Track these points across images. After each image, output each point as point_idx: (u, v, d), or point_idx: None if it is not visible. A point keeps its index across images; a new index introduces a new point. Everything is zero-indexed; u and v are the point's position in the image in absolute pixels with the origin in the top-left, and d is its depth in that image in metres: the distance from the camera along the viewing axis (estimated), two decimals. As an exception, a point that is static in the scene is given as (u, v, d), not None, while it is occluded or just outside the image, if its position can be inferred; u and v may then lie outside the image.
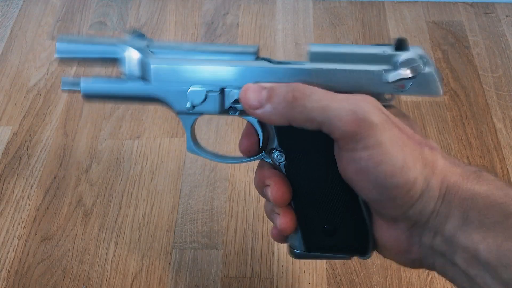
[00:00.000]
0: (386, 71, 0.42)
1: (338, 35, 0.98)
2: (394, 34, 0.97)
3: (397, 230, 0.41)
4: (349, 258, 0.47)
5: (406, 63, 0.41)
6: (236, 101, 0.44)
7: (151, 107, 0.86)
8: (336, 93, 0.39)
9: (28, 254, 0.70)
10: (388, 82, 0.42)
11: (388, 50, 0.42)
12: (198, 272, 0.69)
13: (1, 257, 0.70)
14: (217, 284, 0.68)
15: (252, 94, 0.41)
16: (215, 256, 0.70)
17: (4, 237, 0.72)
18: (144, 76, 0.45)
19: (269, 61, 0.44)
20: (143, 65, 0.45)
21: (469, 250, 0.36)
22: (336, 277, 0.68)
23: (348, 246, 0.45)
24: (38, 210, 0.75)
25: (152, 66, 0.45)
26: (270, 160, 0.45)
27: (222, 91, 0.44)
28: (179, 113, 0.46)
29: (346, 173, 0.40)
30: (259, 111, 0.41)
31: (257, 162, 0.47)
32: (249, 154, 0.48)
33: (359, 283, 0.67)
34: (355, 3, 1.03)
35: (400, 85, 0.42)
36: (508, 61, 0.93)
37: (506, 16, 1.00)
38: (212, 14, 1.01)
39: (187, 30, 0.99)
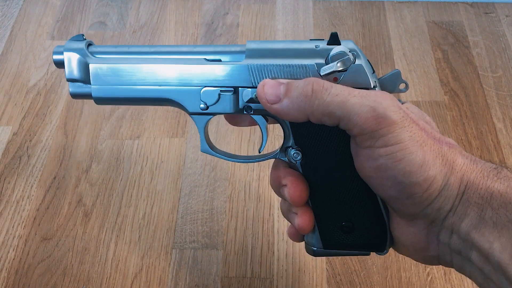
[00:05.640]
0: (318, 64, 0.43)
1: (338, 35, 0.97)
2: (394, 34, 0.97)
3: (415, 227, 0.41)
4: (368, 254, 0.47)
5: (337, 57, 0.42)
6: (251, 100, 0.44)
7: (151, 107, 0.86)
8: (354, 89, 0.39)
9: (28, 254, 0.70)
10: (321, 75, 0.42)
11: (320, 45, 0.44)
12: (198, 272, 0.69)
13: (1, 257, 0.70)
14: (217, 284, 0.67)
15: (270, 89, 0.41)
16: (215, 256, 0.70)
17: (4, 237, 0.72)
18: (83, 77, 0.45)
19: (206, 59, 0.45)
20: (82, 66, 0.45)
21: (483, 249, 0.36)
22: (336, 277, 0.68)
23: (366, 243, 0.45)
24: (38, 210, 0.74)
25: (91, 65, 0.45)
26: (286, 158, 0.45)
27: (236, 90, 0.45)
28: (192, 114, 0.46)
29: (364, 170, 0.40)
30: (277, 106, 0.41)
31: (263, 162, 0.47)
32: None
33: (359, 283, 0.67)
34: (355, 3, 1.03)
35: (333, 77, 0.43)
36: (508, 61, 0.93)
37: (506, 16, 1.00)
38: (212, 14, 1.01)
39: (187, 30, 0.99)
